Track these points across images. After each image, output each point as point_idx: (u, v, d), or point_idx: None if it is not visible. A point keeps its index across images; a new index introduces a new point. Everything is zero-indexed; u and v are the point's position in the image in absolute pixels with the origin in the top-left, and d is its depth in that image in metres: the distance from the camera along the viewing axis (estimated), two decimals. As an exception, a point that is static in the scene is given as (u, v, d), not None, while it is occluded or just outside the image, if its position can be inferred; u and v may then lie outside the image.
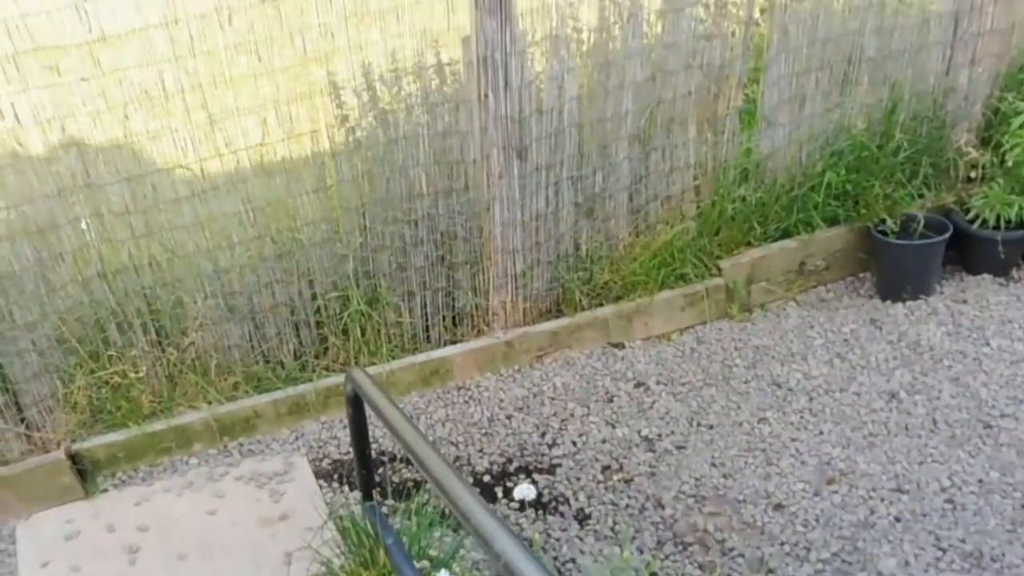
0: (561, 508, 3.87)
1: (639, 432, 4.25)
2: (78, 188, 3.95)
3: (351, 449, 3.53)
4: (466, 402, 4.55)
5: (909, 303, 5.01)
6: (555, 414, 4.41)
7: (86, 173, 3.93)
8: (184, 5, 3.69)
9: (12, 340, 4.07)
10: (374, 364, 4.53)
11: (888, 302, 5.04)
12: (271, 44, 3.90)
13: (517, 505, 3.90)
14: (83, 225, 4.04)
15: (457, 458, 4.16)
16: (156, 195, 4.07)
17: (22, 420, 4.20)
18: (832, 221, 5.19)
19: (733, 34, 4.69)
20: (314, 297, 4.52)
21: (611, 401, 4.47)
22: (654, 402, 4.43)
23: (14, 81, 3.63)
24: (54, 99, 3.74)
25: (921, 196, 5.25)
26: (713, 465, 4.02)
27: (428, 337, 4.76)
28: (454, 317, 4.80)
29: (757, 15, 4.74)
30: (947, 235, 4.97)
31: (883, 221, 5.04)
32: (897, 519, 3.65)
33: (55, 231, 4.00)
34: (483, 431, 4.34)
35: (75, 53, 3.66)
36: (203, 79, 3.88)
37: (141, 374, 4.32)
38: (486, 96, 4.20)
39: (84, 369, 4.25)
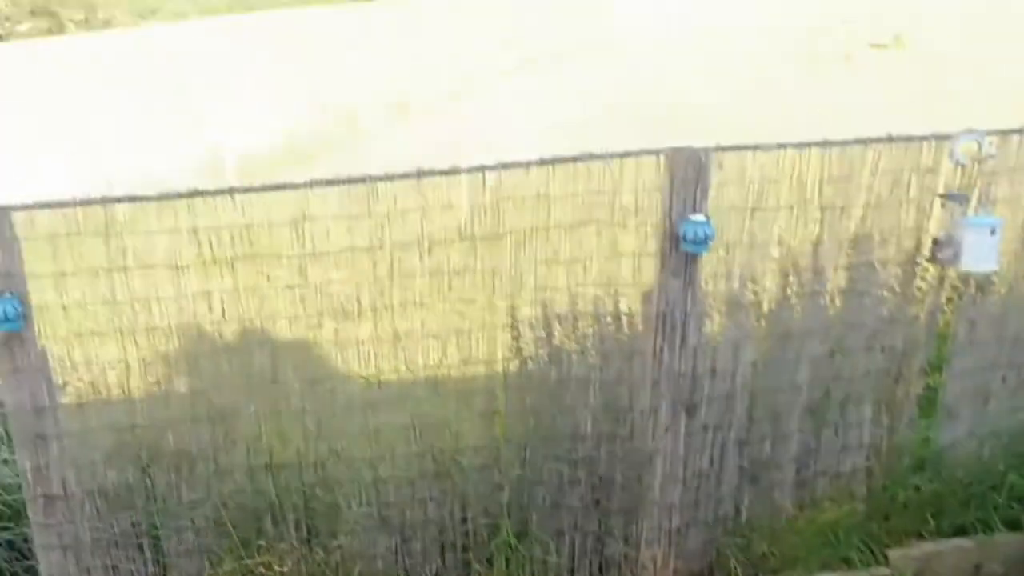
0: None
1: None
2: (264, 383, 4.18)
3: None
4: (599, 656, 4.38)
5: (1096, 631, 4.57)
6: None
7: (273, 370, 4.17)
8: (391, 233, 3.97)
9: (174, 515, 4.25)
10: (509, 598, 4.46)
11: (1072, 626, 4.63)
12: (463, 277, 4.11)
13: None
14: (258, 416, 4.24)
15: None
16: (333, 400, 4.26)
17: (164, 595, 4.32)
18: (1013, 525, 4.86)
19: (917, 318, 4.62)
20: (464, 521, 4.53)
21: None
22: None
23: (228, 282, 3.95)
24: (258, 300, 4.03)
25: (1114, 513, 4.88)
26: None
27: (572, 579, 4.67)
28: (601, 563, 4.69)
29: (943, 302, 4.67)
30: None
31: (1070, 534, 4.69)
32: None
33: (234, 419, 4.22)
34: None
35: (286, 264, 3.96)
36: (395, 300, 4.11)
37: (286, 569, 4.38)
38: (661, 350, 4.25)
39: (234, 555, 4.35)
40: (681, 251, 4.06)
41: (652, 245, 4.15)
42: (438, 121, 19.35)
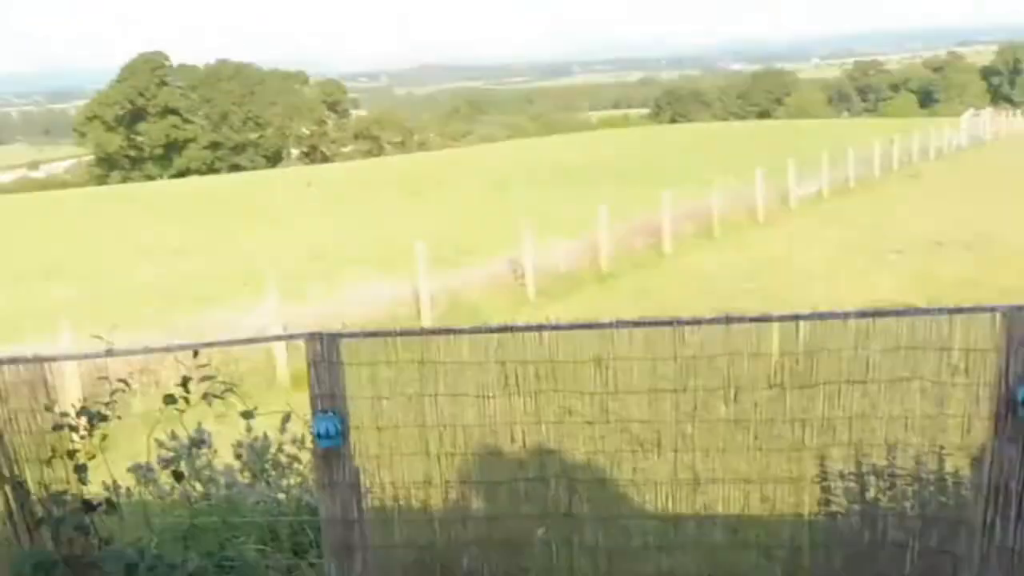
0: None
1: None
2: (558, 514, 4.16)
3: None
4: None
5: None
6: None
7: (568, 502, 4.14)
8: (695, 375, 3.86)
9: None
10: None
11: None
12: (769, 425, 3.92)
13: None
14: (550, 546, 4.21)
15: None
16: (626, 539, 4.17)
17: None
18: None
19: None
20: None
21: None
22: None
23: (531, 413, 4.00)
24: (559, 432, 4.05)
25: None
26: None
27: None
28: None
29: None
30: None
31: None
32: None
33: (527, 547, 4.21)
34: None
35: (588, 400, 3.95)
36: (697, 443, 3.98)
37: None
38: (992, 523, 3.81)
39: None
40: (1019, 417, 3.65)
41: (984, 408, 3.76)
42: (741, 245, 19.10)
